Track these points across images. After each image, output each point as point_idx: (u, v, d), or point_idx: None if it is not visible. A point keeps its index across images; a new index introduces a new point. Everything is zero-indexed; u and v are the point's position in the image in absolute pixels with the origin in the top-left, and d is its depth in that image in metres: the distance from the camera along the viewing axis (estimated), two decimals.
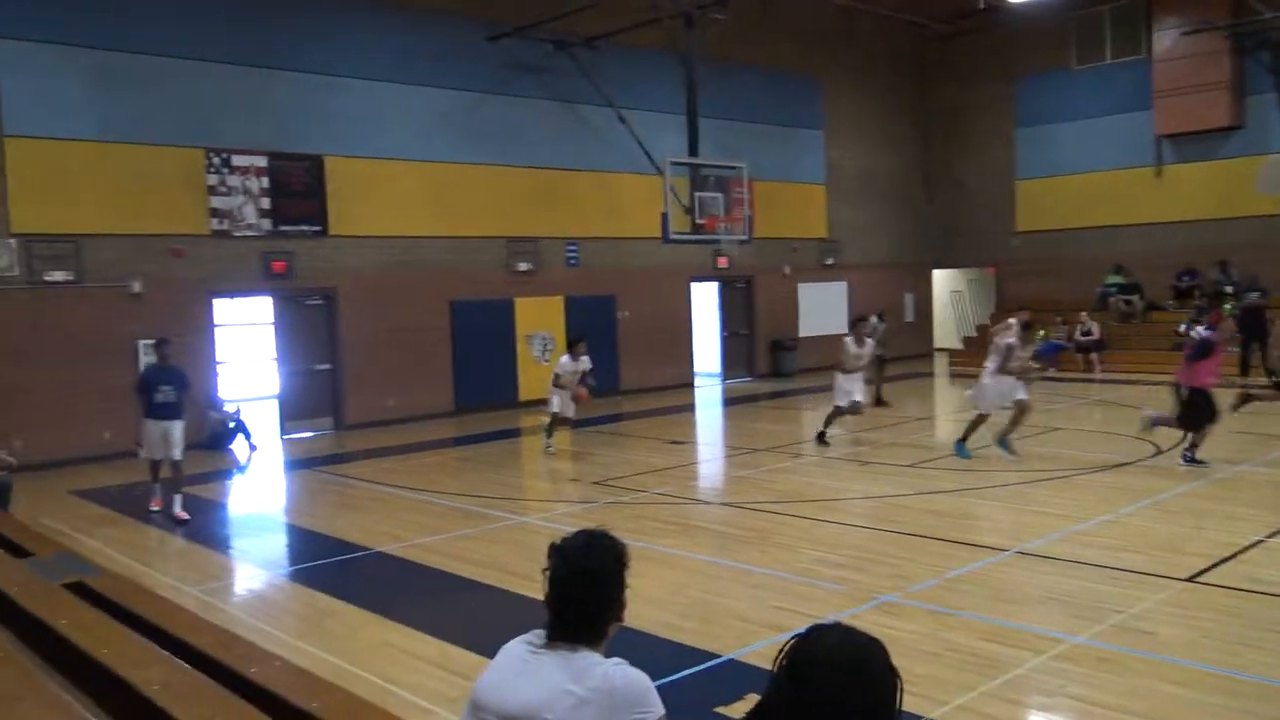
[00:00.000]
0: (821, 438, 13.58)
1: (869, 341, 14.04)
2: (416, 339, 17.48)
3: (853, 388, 13.54)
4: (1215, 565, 7.42)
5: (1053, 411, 15.74)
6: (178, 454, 10.44)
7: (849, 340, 13.77)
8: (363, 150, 16.78)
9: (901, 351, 25.92)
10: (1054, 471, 11.17)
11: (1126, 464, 11.54)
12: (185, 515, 10.25)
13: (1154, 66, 22.72)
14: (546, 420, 14.12)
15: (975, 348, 25.22)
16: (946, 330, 28.19)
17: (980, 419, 12.21)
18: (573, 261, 19.64)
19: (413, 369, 17.42)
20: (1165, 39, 22.51)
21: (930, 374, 23.68)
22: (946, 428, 15.89)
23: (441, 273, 17.74)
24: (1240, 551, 7.77)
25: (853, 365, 13.59)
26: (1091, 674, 5.52)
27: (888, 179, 26.24)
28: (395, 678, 5.77)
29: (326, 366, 16.76)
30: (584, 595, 2.51)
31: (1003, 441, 11.97)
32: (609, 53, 19.02)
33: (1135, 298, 23.01)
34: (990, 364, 12.17)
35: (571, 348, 13.82)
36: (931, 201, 27.27)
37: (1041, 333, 22.72)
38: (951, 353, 26.14)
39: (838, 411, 13.67)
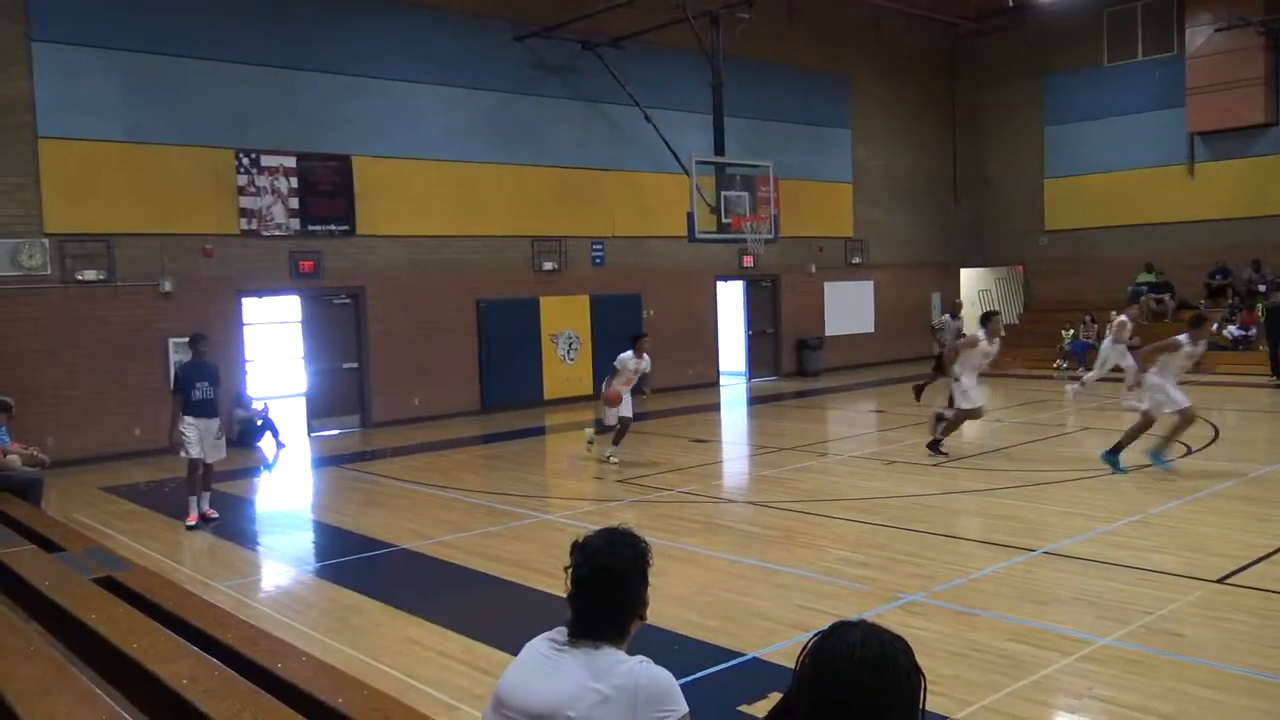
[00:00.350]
0: (936, 446, 12.18)
1: (997, 340, 12.48)
2: (443, 338, 17.57)
3: (974, 389, 12.12)
4: (1246, 567, 7.33)
5: (1082, 411, 15.60)
6: (217, 455, 10.26)
7: (980, 336, 12.21)
8: (390, 150, 16.88)
9: (928, 351, 25.78)
10: (1082, 471, 11.06)
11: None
12: (214, 513, 10.23)
13: (1186, 63, 22.46)
14: (612, 426, 12.76)
15: (1003, 347, 24.98)
16: (974, 330, 27.93)
17: (1150, 423, 10.97)
18: (598, 261, 19.67)
19: (439, 368, 17.52)
20: (1198, 35, 22.25)
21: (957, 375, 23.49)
22: (972, 427, 15.79)
23: (468, 272, 17.82)
24: (1272, 553, 7.66)
25: (978, 366, 12.14)
26: (1119, 675, 5.47)
27: (915, 177, 26.09)
28: (419, 674, 5.81)
29: (353, 365, 16.87)
30: (605, 593, 2.52)
31: (1158, 455, 10.75)
32: (635, 52, 19.04)
33: (1166, 297, 22.76)
34: (1155, 366, 10.89)
35: (635, 343, 12.60)
36: (959, 200, 27.09)
37: (1070, 332, 22.58)
38: None
39: (962, 416, 12.32)
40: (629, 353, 12.53)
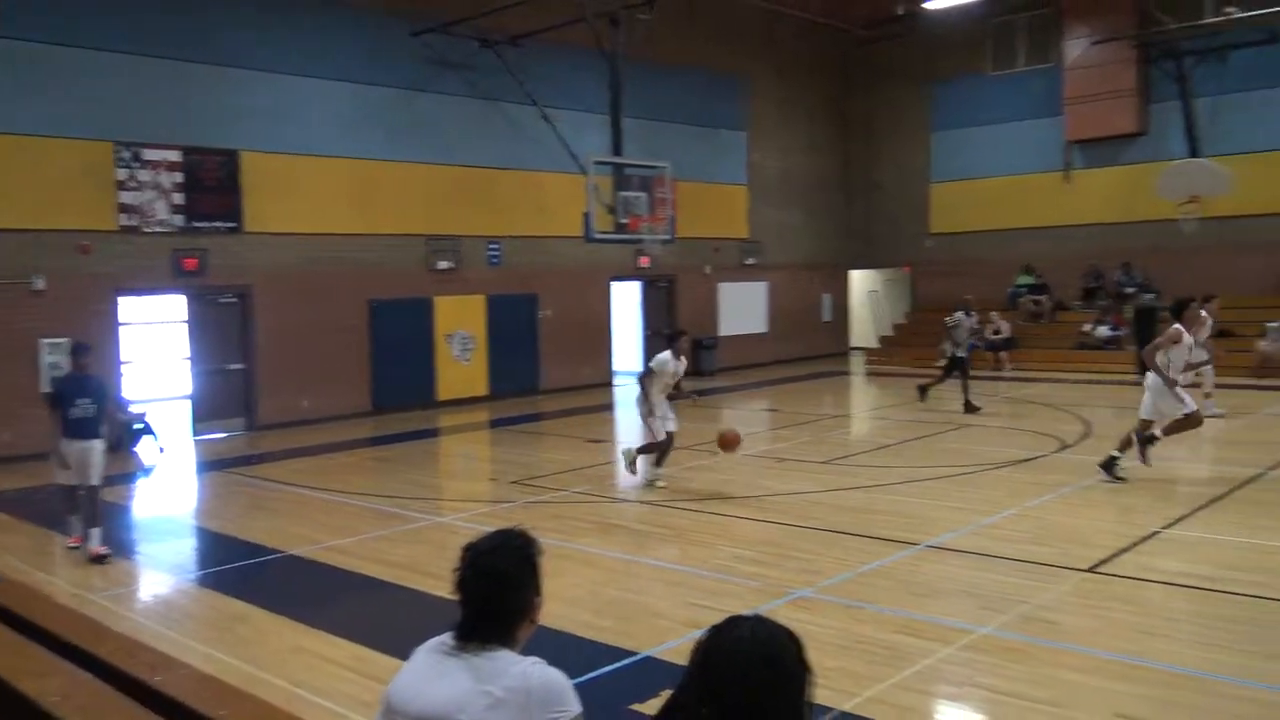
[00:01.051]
0: (1144, 449, 10.31)
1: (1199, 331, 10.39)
2: (333, 338, 17.18)
3: (1185, 393, 10.21)
4: (1115, 556, 7.69)
5: (963, 408, 16.08)
6: (96, 478, 8.81)
7: (1180, 328, 10.20)
8: (281, 145, 16.43)
9: (818, 350, 26.35)
10: (964, 467, 11.44)
11: (1032, 459, 11.87)
12: (105, 550, 8.68)
13: (1064, 74, 23.42)
14: (646, 443, 11.26)
15: (891, 347, 25.77)
16: (864, 329, 28.69)
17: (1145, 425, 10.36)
18: (495, 260, 19.51)
19: (329, 368, 17.12)
20: (1075, 48, 23.21)
21: (846, 373, 24.07)
22: (862, 425, 16.19)
23: (360, 271, 17.48)
24: (1138, 542, 8.07)
25: (1184, 364, 10.30)
26: (999, 663, 5.68)
27: (808, 180, 26.59)
28: (307, 682, 5.68)
29: (239, 366, 16.39)
30: (490, 596, 2.50)
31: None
32: (534, 51, 18.94)
33: (1044, 298, 23.70)
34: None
35: (672, 344, 10.99)
36: (850, 203, 27.72)
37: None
38: (867, 351, 26.62)
39: (1183, 423, 10.26)
40: (666, 353, 10.88)
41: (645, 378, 10.96)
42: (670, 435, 10.86)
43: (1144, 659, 5.66)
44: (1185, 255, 21.43)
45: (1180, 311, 10.32)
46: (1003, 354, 22.27)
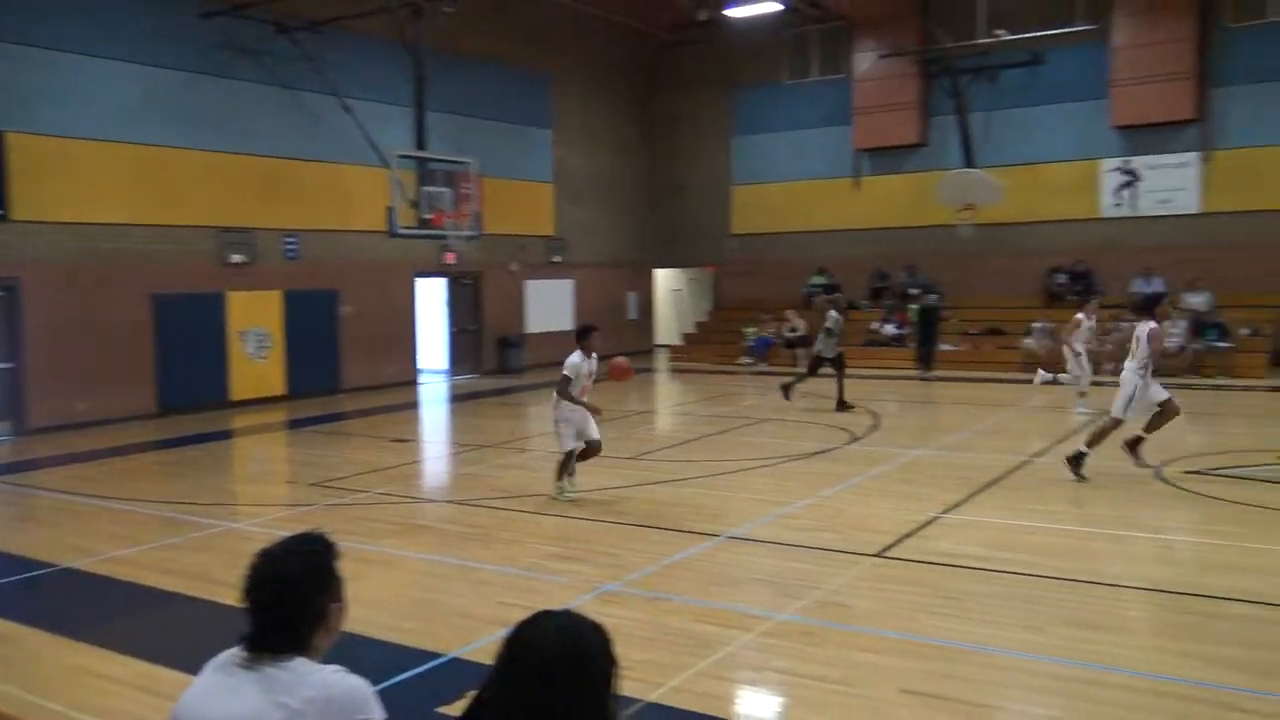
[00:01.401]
0: (1134, 448, 10.27)
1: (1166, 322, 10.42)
2: (114, 334, 16.06)
3: (1157, 389, 10.21)
4: (899, 541, 8.19)
5: (762, 404, 16.72)
6: None
7: (1152, 327, 10.17)
8: (54, 128, 15.21)
9: (624, 347, 26.71)
10: (762, 460, 11.89)
11: (826, 451, 12.47)
12: None
13: (854, 85, 24.66)
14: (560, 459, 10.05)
15: (694, 343, 26.44)
16: (667, 327, 29.29)
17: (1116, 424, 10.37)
18: (292, 254, 18.76)
19: (110, 367, 16.00)
20: (863, 61, 24.47)
21: (651, 369, 24.50)
22: (667, 420, 16.54)
23: (143, 263, 16.42)
24: (920, 527, 8.61)
25: (1156, 358, 10.24)
26: (795, 647, 5.95)
27: (614, 179, 26.91)
28: (87, 704, 5.31)
29: (6, 365, 15.09)
30: (277, 604, 2.39)
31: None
32: (334, 39, 18.30)
33: (836, 297, 24.85)
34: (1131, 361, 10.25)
35: (581, 341, 9.83)
36: (655, 203, 28.23)
37: (753, 329, 24.17)
38: (672, 349, 27.21)
39: (1160, 417, 10.24)
40: (576, 354, 9.73)
41: (562, 386, 9.69)
42: (593, 444, 9.99)
43: (926, 637, 6.05)
44: (962, 259, 23.02)
45: (1153, 307, 10.49)
46: (799, 351, 23.20)
